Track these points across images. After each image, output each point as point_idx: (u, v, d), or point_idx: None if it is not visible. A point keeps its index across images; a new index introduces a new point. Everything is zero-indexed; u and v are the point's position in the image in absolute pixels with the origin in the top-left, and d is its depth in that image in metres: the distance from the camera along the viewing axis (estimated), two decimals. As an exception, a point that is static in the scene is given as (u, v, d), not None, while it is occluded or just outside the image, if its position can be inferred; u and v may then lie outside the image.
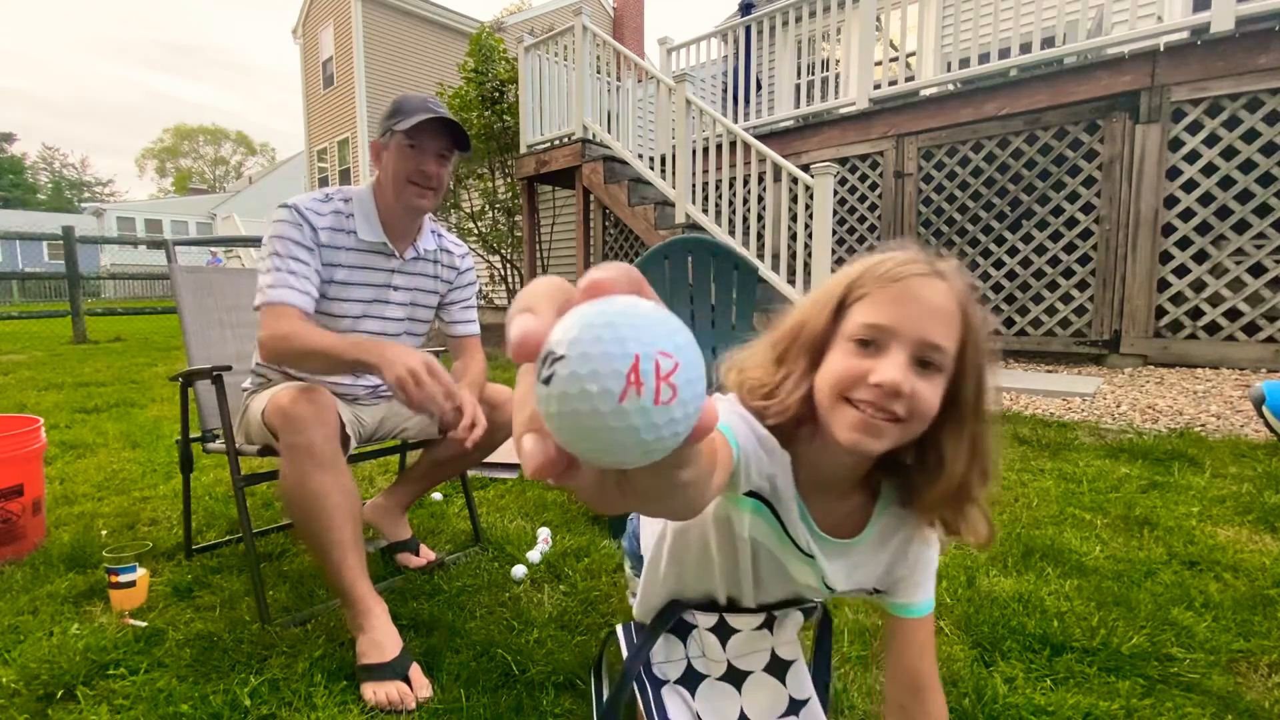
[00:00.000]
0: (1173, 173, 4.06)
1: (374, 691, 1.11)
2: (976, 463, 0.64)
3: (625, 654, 0.88)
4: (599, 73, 6.08)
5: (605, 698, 0.94)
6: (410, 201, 1.40)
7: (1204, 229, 3.98)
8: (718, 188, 4.99)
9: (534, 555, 1.68)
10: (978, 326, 0.62)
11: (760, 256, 4.72)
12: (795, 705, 0.86)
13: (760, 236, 5.19)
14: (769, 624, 0.84)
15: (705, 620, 0.84)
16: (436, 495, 2.17)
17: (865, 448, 0.60)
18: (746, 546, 0.73)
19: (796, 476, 0.68)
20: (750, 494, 0.68)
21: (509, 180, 7.75)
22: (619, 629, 0.93)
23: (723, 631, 0.84)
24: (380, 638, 1.18)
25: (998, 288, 4.79)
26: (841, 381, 0.61)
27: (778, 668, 0.86)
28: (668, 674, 0.85)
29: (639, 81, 6.20)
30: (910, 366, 0.59)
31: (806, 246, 4.58)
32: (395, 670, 1.14)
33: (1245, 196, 3.84)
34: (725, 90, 7.55)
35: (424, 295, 1.55)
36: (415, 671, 1.15)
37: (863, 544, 0.73)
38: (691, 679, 0.84)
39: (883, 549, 0.74)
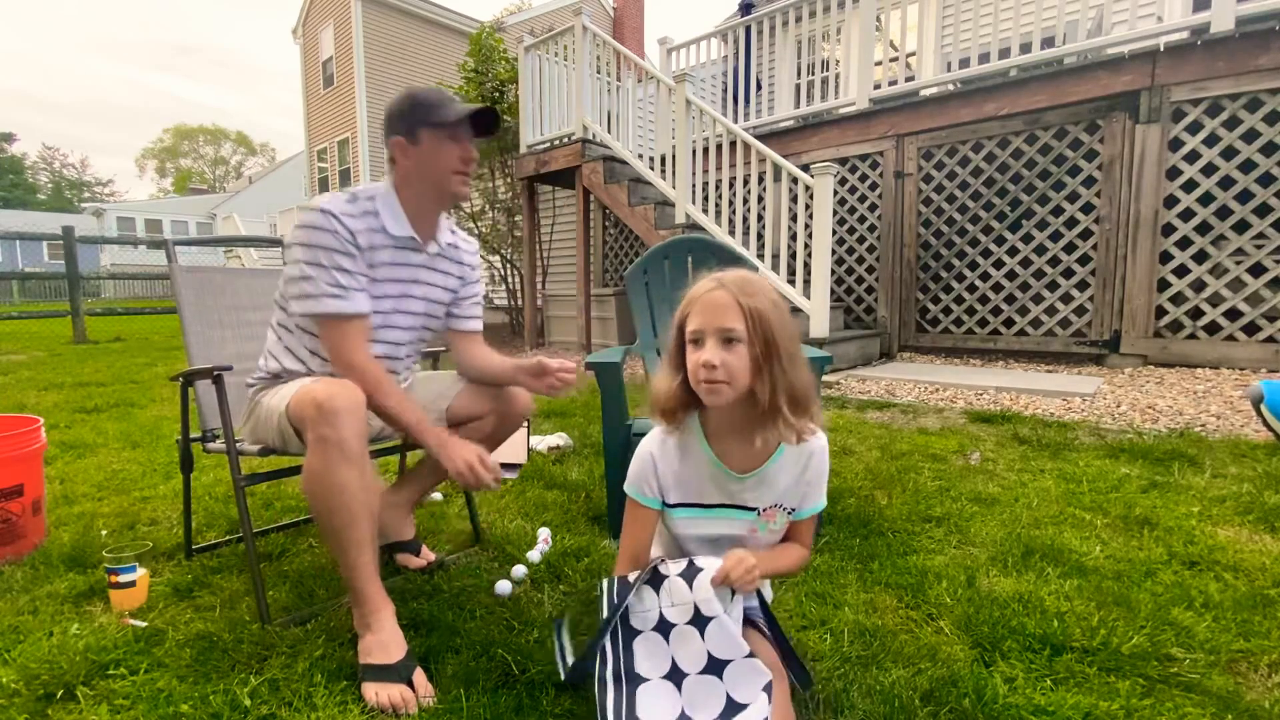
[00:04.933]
0: (1173, 173, 4.06)
1: (376, 693, 1.10)
2: (780, 390, 0.97)
3: (606, 608, 1.04)
4: (599, 73, 6.08)
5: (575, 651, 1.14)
6: (458, 190, 1.43)
7: (1204, 229, 3.98)
8: (718, 188, 4.99)
9: (534, 555, 1.69)
10: (758, 309, 0.96)
11: (760, 256, 4.72)
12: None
13: (760, 236, 5.20)
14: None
15: (675, 568, 1.02)
16: (436, 495, 2.17)
17: (716, 403, 0.99)
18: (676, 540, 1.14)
19: (707, 429, 1.06)
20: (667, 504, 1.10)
21: (509, 180, 7.74)
22: (604, 583, 1.06)
23: (689, 573, 1.01)
24: (386, 639, 1.18)
25: (998, 288, 4.79)
26: (691, 367, 0.99)
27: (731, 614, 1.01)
28: (643, 624, 1.01)
29: (639, 81, 6.21)
30: (719, 347, 0.96)
31: (806, 246, 4.58)
32: (399, 673, 1.13)
33: (1245, 196, 3.85)
34: (725, 90, 7.56)
35: (440, 291, 1.55)
36: (419, 677, 1.15)
37: (773, 465, 1.06)
38: (664, 627, 1.00)
39: (795, 465, 1.07)
